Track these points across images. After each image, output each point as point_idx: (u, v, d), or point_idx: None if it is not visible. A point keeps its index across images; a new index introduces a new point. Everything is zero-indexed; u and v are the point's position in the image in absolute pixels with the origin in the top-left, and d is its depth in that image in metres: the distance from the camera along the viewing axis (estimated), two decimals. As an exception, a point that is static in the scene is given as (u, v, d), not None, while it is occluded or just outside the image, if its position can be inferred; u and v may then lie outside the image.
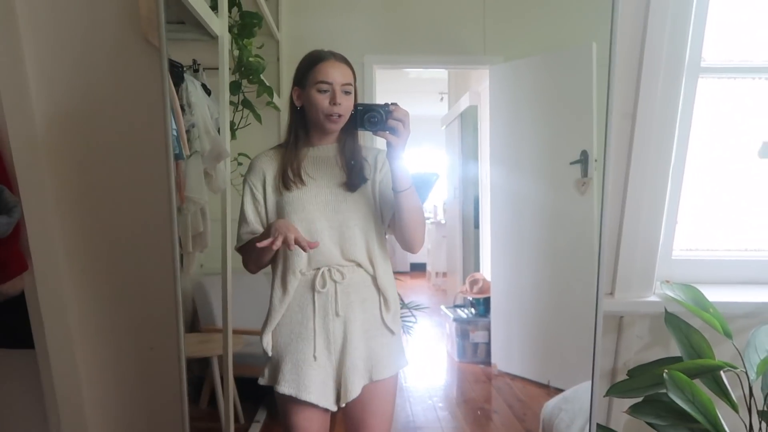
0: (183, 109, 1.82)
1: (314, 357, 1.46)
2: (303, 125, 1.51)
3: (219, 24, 1.91)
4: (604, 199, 1.69)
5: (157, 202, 1.66)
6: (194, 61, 1.97)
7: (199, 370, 2.23)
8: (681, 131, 1.90)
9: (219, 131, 1.95)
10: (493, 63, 2.54)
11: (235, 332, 2.05)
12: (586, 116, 2.12)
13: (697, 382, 1.63)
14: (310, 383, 1.44)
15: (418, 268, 4.10)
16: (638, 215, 1.89)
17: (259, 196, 1.51)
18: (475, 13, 2.40)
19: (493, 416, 2.51)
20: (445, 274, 3.78)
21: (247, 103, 2.07)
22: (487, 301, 2.83)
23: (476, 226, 3.10)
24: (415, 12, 2.34)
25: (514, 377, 2.60)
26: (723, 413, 1.62)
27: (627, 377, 1.85)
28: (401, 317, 1.61)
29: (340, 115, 1.44)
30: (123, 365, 1.98)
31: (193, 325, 2.31)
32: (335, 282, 1.46)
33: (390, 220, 1.50)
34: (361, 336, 1.48)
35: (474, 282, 2.95)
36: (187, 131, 1.82)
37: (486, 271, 2.92)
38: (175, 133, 1.69)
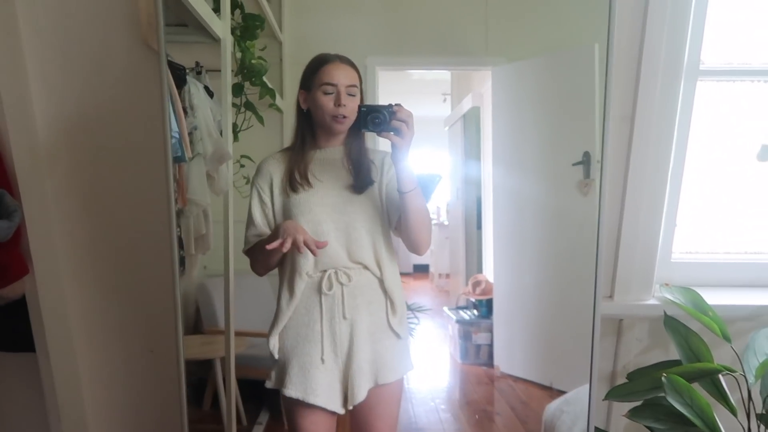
0: (185, 112, 1.82)
1: (321, 360, 1.46)
2: (309, 128, 1.52)
3: (221, 26, 1.91)
4: (601, 202, 1.69)
5: (158, 205, 1.67)
6: (197, 64, 1.98)
7: (202, 372, 2.23)
8: (680, 134, 1.90)
9: (221, 133, 1.95)
10: (496, 64, 2.54)
11: (237, 334, 2.05)
12: (588, 117, 2.12)
13: (696, 386, 1.62)
14: (317, 386, 1.45)
15: (421, 270, 4.09)
16: (637, 218, 1.89)
17: (267, 199, 1.52)
18: (478, 15, 2.40)
19: (495, 418, 2.50)
20: (448, 276, 3.77)
21: (249, 105, 2.07)
22: (489, 302, 2.83)
23: (479, 227, 3.09)
24: (417, 13, 2.34)
25: (516, 379, 2.59)
26: (722, 417, 1.62)
27: (626, 380, 1.85)
28: (404, 319, 1.61)
29: (345, 117, 1.44)
30: (124, 368, 1.99)
31: (197, 327, 2.31)
32: (342, 284, 1.47)
33: (396, 222, 1.50)
34: (367, 339, 1.48)
35: (477, 283, 2.94)
36: (190, 134, 1.82)
37: (489, 272, 2.91)
38: (177, 135, 1.69)
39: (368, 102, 1.47)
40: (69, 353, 1.90)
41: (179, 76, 1.81)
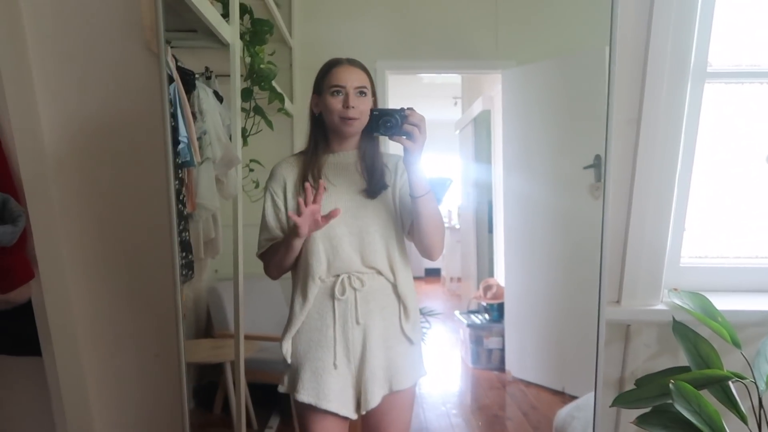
0: (195, 117, 1.83)
1: (334, 365, 1.46)
2: (322, 132, 1.52)
3: (230, 32, 1.92)
4: (605, 206, 1.68)
5: (164, 209, 1.67)
6: (206, 69, 1.99)
7: (213, 376, 2.24)
8: (687, 137, 1.88)
9: (231, 138, 1.96)
10: (506, 67, 2.53)
11: (248, 338, 2.05)
12: (599, 120, 2.09)
13: (706, 393, 1.60)
14: (330, 391, 1.45)
15: (433, 273, 4.09)
16: (644, 222, 1.87)
17: (280, 203, 1.52)
18: (488, 18, 2.39)
19: (507, 423, 2.48)
20: (459, 279, 3.76)
21: (258, 110, 2.08)
22: (501, 306, 2.81)
23: (490, 230, 3.08)
24: (427, 17, 2.34)
25: (528, 384, 2.57)
26: (732, 425, 1.59)
27: (634, 387, 1.82)
28: (415, 323, 1.60)
29: (354, 118, 1.44)
30: (129, 372, 1.99)
31: (207, 331, 2.32)
32: (354, 289, 1.46)
33: (409, 226, 1.50)
34: (380, 345, 1.48)
35: (488, 287, 2.93)
36: (199, 138, 1.84)
37: (500, 276, 2.90)
38: (186, 140, 1.70)
39: (378, 105, 1.48)
40: (75, 357, 1.91)
41: (189, 81, 1.83)
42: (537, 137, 2.54)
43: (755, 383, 1.68)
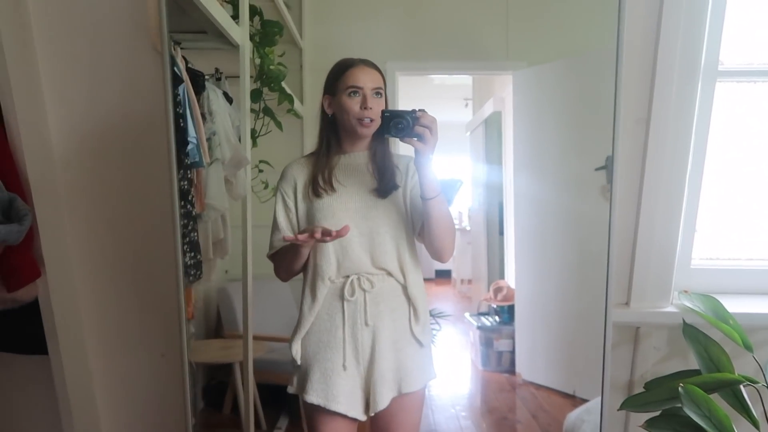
0: (204, 118, 1.84)
1: (343, 366, 1.45)
2: (335, 133, 1.52)
3: (240, 33, 1.93)
4: (612, 207, 1.67)
5: (169, 210, 1.68)
6: (216, 70, 2.00)
7: (223, 376, 2.25)
8: (698, 136, 1.86)
9: (240, 139, 1.97)
10: (517, 68, 2.52)
11: (257, 338, 2.06)
12: (610, 121, 2.08)
13: (716, 398, 1.57)
14: (339, 393, 1.44)
15: (444, 275, 4.08)
16: (654, 222, 1.86)
17: (291, 204, 1.52)
18: (498, 19, 2.38)
19: (517, 426, 2.47)
20: (470, 281, 3.75)
21: (268, 111, 2.09)
22: (511, 308, 2.80)
23: (501, 232, 3.06)
24: (437, 18, 2.34)
25: (538, 387, 2.55)
26: (743, 430, 1.57)
27: (643, 390, 1.81)
28: (425, 325, 1.60)
29: (371, 120, 1.44)
30: (135, 371, 2.00)
31: (217, 331, 2.33)
32: (364, 291, 1.46)
33: (420, 228, 1.49)
34: (390, 347, 1.47)
35: (498, 289, 2.92)
36: (208, 139, 1.85)
37: (511, 278, 2.88)
38: (195, 141, 1.71)
39: (388, 107, 1.47)
40: (81, 356, 1.92)
41: (198, 82, 1.84)
42: (548, 138, 2.53)
43: (767, 387, 1.66)
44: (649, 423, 1.67)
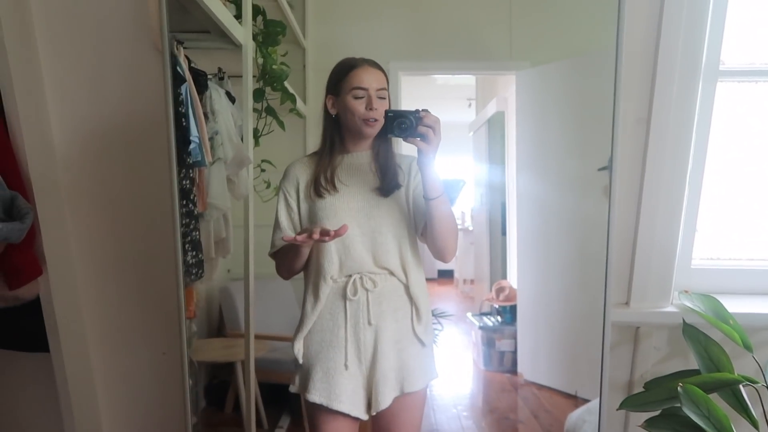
0: (206, 117, 1.84)
1: (345, 366, 1.46)
2: (338, 132, 1.52)
3: (243, 33, 1.93)
4: (611, 206, 1.66)
5: (170, 209, 1.69)
6: (219, 69, 2.00)
7: (225, 375, 2.25)
8: (699, 136, 1.85)
9: (242, 138, 1.98)
10: (520, 68, 2.51)
11: (259, 337, 2.06)
12: (613, 121, 2.09)
13: (716, 398, 1.57)
14: (341, 392, 1.44)
15: (446, 275, 4.08)
16: (654, 222, 1.85)
17: (293, 203, 1.52)
18: (501, 18, 2.38)
19: (518, 426, 2.47)
20: (472, 281, 3.75)
21: (270, 111, 2.09)
22: (513, 309, 2.80)
23: (504, 233, 3.06)
24: (440, 18, 2.33)
25: (540, 387, 2.55)
26: (743, 430, 1.57)
27: (643, 390, 1.81)
28: (427, 325, 1.60)
29: (376, 120, 1.44)
30: (137, 369, 2.01)
31: (220, 330, 2.34)
32: (366, 290, 1.46)
33: (422, 228, 1.49)
34: (392, 346, 1.47)
35: (500, 289, 2.91)
36: (211, 138, 1.85)
37: (513, 278, 2.88)
38: (197, 140, 1.71)
39: (391, 107, 1.47)
40: (82, 353, 1.93)
41: (201, 81, 1.84)
42: (551, 139, 2.52)
43: (767, 387, 1.65)
44: (649, 423, 1.67)
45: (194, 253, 1.78)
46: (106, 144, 1.88)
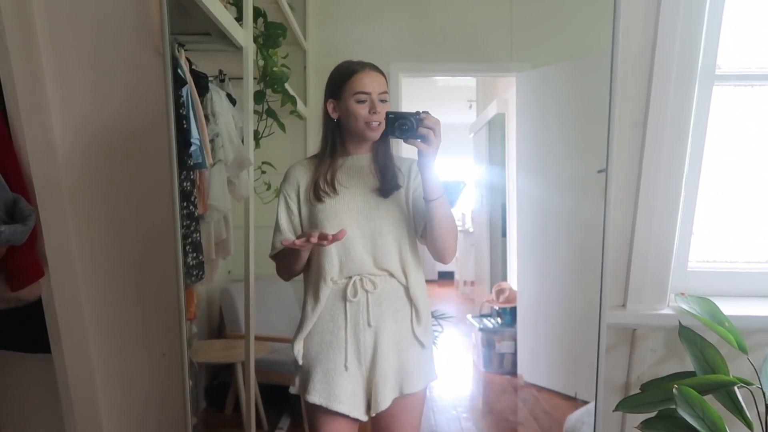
0: (207, 119, 1.85)
1: (345, 367, 1.46)
2: (339, 136, 1.52)
3: (244, 35, 1.94)
4: (606, 209, 1.67)
5: (171, 210, 1.70)
6: (220, 72, 2.01)
7: (225, 376, 2.26)
8: (695, 140, 1.86)
9: (243, 140, 1.98)
10: (520, 70, 2.51)
11: (259, 339, 2.06)
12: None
13: (712, 400, 1.58)
14: (341, 393, 1.45)
15: (446, 277, 4.06)
16: (650, 225, 1.86)
17: (293, 206, 1.53)
18: (502, 20, 2.38)
19: (518, 428, 2.47)
20: (473, 283, 3.74)
21: (271, 113, 2.09)
22: (513, 310, 2.79)
23: (504, 234, 3.06)
24: (441, 20, 2.33)
25: (540, 389, 2.55)
26: (737, 431, 1.58)
27: (639, 391, 1.81)
28: (427, 327, 1.60)
29: (379, 123, 1.44)
30: (137, 370, 2.01)
31: (220, 331, 2.34)
32: (366, 291, 1.46)
33: (422, 229, 1.49)
34: (392, 348, 1.48)
35: (500, 291, 2.91)
36: (211, 140, 1.85)
37: (513, 280, 2.88)
38: (198, 142, 1.72)
39: (390, 109, 1.47)
40: (84, 354, 1.93)
41: (202, 83, 1.85)
42: (551, 140, 2.52)
43: (762, 390, 1.66)
44: (645, 424, 1.67)
45: (195, 254, 1.78)
46: (108, 146, 1.89)
